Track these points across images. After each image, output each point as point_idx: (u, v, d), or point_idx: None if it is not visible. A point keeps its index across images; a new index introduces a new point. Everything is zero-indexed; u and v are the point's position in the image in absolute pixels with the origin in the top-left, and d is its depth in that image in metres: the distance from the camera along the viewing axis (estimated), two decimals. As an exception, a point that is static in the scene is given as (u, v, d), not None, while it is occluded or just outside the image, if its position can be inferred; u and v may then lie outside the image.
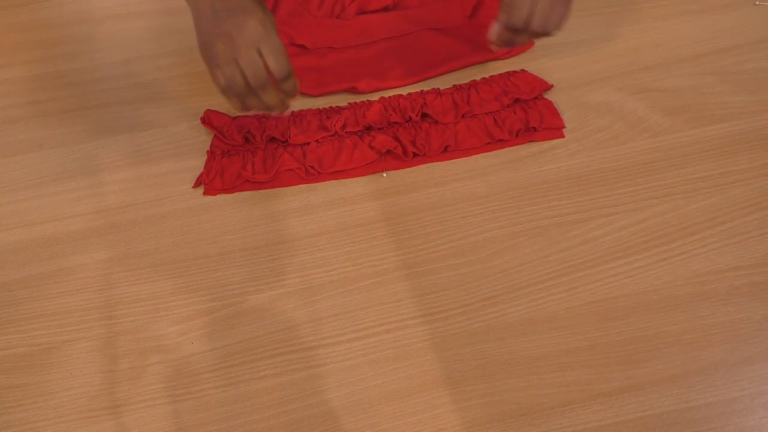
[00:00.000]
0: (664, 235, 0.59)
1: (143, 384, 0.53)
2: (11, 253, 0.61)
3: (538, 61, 0.72)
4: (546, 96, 0.69)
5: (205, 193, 0.63)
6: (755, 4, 0.75)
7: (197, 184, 0.64)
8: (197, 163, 0.66)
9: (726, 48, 0.72)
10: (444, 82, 0.71)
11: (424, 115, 0.67)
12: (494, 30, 0.60)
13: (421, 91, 0.69)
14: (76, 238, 0.61)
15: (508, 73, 0.70)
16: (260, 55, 0.55)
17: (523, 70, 0.70)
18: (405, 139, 0.65)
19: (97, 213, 0.63)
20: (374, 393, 0.52)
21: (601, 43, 0.73)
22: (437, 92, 0.69)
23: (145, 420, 0.52)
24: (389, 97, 0.69)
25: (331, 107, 0.69)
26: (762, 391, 0.50)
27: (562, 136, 0.66)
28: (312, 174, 0.64)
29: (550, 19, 0.57)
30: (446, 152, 0.65)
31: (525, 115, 0.66)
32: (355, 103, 0.69)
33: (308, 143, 0.66)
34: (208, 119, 0.67)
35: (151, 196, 0.64)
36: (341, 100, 0.70)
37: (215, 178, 0.64)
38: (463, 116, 0.67)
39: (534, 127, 0.65)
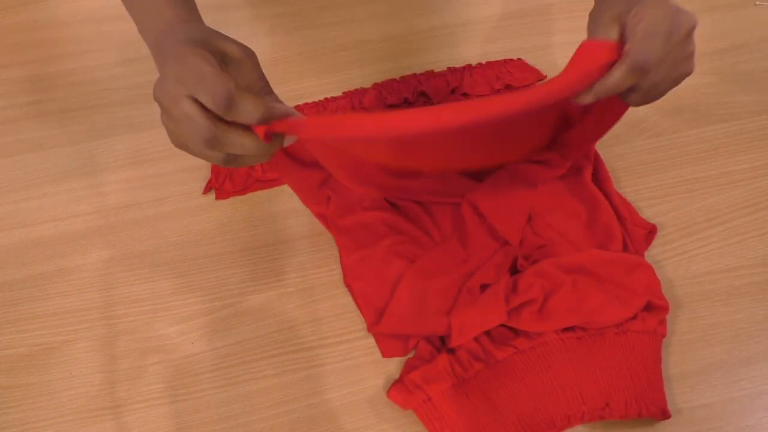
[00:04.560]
0: (664, 235, 0.59)
1: (143, 384, 0.53)
2: (11, 253, 0.61)
3: (538, 61, 0.72)
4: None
5: (218, 198, 0.63)
6: (755, 4, 0.75)
7: (207, 190, 0.64)
8: (197, 163, 0.66)
9: (726, 48, 0.72)
10: (439, 65, 0.71)
11: (421, 94, 0.68)
12: (613, 73, 0.42)
13: (414, 74, 0.70)
14: (76, 238, 0.61)
15: (504, 60, 0.71)
16: (193, 101, 0.39)
17: (519, 59, 0.71)
18: None
19: (97, 213, 0.63)
20: (374, 393, 0.52)
21: (601, 43, 0.73)
22: (431, 74, 0.69)
23: (145, 420, 0.52)
24: (382, 81, 0.69)
25: (326, 98, 0.69)
26: (762, 391, 0.50)
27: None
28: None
29: (679, 71, 0.44)
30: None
31: None
32: (350, 91, 0.69)
33: None
34: None
35: (151, 196, 0.64)
36: (336, 92, 0.70)
37: (225, 182, 0.63)
38: (452, 92, 0.67)
39: None
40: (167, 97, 0.39)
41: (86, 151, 0.67)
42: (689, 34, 0.42)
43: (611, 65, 0.42)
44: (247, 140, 0.40)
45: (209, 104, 0.38)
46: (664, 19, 0.41)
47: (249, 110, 0.39)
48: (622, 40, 0.42)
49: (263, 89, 0.42)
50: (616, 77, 0.42)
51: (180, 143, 0.41)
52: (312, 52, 0.74)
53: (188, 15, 0.46)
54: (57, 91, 0.73)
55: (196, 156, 0.41)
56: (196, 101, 0.38)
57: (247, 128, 0.40)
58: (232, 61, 0.41)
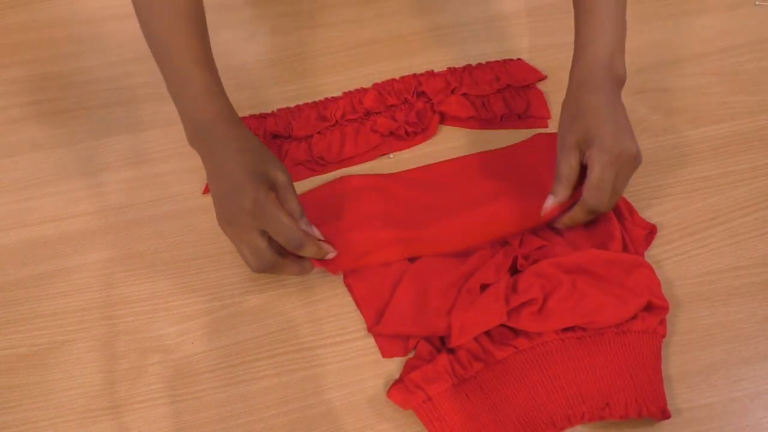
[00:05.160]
0: (664, 235, 0.59)
1: (143, 384, 0.53)
2: (11, 253, 0.61)
3: (538, 61, 0.72)
4: (545, 94, 0.69)
5: None
6: (755, 4, 0.75)
7: (207, 190, 0.64)
8: (197, 163, 0.65)
9: (726, 48, 0.72)
10: (439, 65, 0.71)
11: (421, 94, 0.68)
12: (566, 218, 0.55)
13: (414, 74, 0.70)
14: (76, 238, 0.61)
15: (504, 60, 0.71)
16: (265, 235, 0.51)
17: (519, 59, 0.71)
18: (402, 119, 0.66)
19: (97, 213, 0.63)
20: (374, 393, 0.52)
21: (601, 43, 0.73)
22: (431, 74, 0.69)
23: (145, 420, 0.52)
24: (383, 81, 0.69)
25: (326, 98, 0.69)
26: (762, 391, 0.50)
27: (546, 126, 0.66)
28: (321, 165, 0.64)
29: (620, 193, 0.55)
30: (442, 122, 0.67)
31: (513, 101, 0.67)
32: (350, 91, 0.69)
33: (311, 135, 0.66)
34: None
35: (151, 196, 0.64)
36: (336, 92, 0.70)
37: None
38: (452, 92, 0.68)
39: (519, 114, 0.66)
40: (240, 225, 0.51)
41: (86, 151, 0.67)
42: (630, 174, 0.54)
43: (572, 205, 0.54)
44: (298, 267, 0.54)
45: (283, 244, 0.51)
46: (610, 170, 0.51)
47: (310, 252, 0.52)
48: (581, 164, 0.53)
49: (300, 213, 0.53)
50: (578, 216, 0.54)
51: (252, 268, 0.53)
52: (312, 52, 0.75)
53: (229, 111, 0.55)
54: (57, 91, 0.73)
55: (260, 272, 0.54)
56: (265, 234, 0.51)
57: (299, 257, 0.53)
58: (280, 187, 0.52)
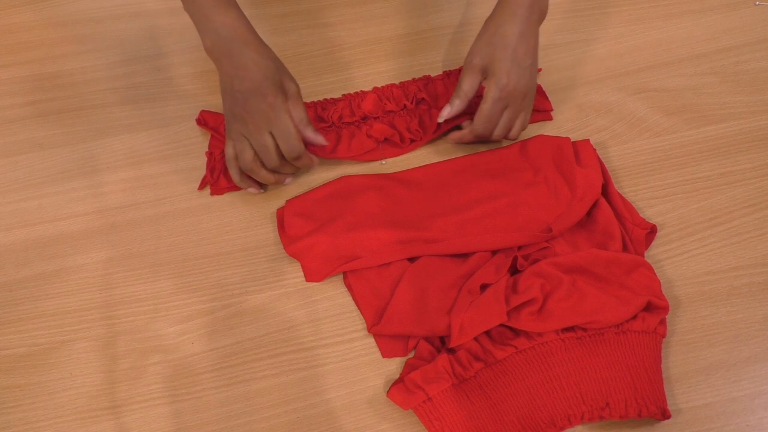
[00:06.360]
0: (664, 235, 0.59)
1: (143, 384, 0.53)
2: (11, 253, 0.61)
3: (538, 61, 0.72)
4: (545, 93, 0.69)
5: (213, 193, 0.63)
6: (755, 4, 0.75)
7: (203, 186, 0.64)
8: (197, 163, 0.66)
9: (726, 48, 0.72)
10: (439, 65, 0.71)
11: (420, 101, 0.68)
12: (456, 134, 0.63)
13: (413, 79, 0.70)
14: (76, 238, 0.61)
15: None
16: (272, 136, 0.57)
17: None
18: (401, 126, 0.65)
19: (97, 213, 0.63)
20: (374, 393, 0.52)
21: (601, 43, 0.73)
22: (428, 79, 0.69)
23: (145, 420, 0.52)
24: (382, 87, 0.69)
25: (325, 99, 0.69)
26: (762, 391, 0.50)
27: (550, 119, 0.66)
28: None
29: (511, 130, 0.62)
30: (439, 130, 0.65)
31: None
32: (350, 94, 0.69)
33: None
34: (204, 120, 0.67)
35: (151, 196, 0.64)
36: (335, 92, 0.70)
37: (219, 178, 0.63)
38: None
39: None
40: (253, 124, 0.56)
41: (86, 151, 0.67)
42: (522, 106, 0.60)
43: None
44: (292, 168, 0.61)
45: (284, 151, 0.57)
46: (499, 104, 0.59)
47: (304, 163, 0.60)
48: (482, 87, 0.60)
49: (308, 122, 0.59)
50: (467, 138, 0.62)
51: (243, 161, 0.58)
52: (312, 52, 0.75)
53: (248, 22, 0.59)
54: (57, 91, 0.73)
55: (246, 169, 0.59)
56: (272, 136, 0.57)
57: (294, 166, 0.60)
58: (291, 96, 0.57)
